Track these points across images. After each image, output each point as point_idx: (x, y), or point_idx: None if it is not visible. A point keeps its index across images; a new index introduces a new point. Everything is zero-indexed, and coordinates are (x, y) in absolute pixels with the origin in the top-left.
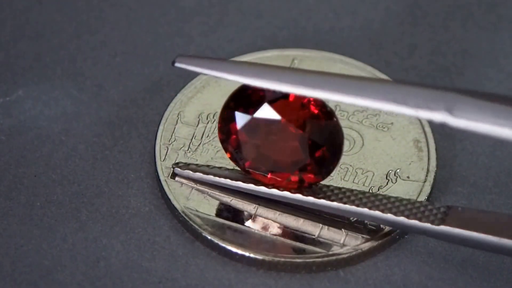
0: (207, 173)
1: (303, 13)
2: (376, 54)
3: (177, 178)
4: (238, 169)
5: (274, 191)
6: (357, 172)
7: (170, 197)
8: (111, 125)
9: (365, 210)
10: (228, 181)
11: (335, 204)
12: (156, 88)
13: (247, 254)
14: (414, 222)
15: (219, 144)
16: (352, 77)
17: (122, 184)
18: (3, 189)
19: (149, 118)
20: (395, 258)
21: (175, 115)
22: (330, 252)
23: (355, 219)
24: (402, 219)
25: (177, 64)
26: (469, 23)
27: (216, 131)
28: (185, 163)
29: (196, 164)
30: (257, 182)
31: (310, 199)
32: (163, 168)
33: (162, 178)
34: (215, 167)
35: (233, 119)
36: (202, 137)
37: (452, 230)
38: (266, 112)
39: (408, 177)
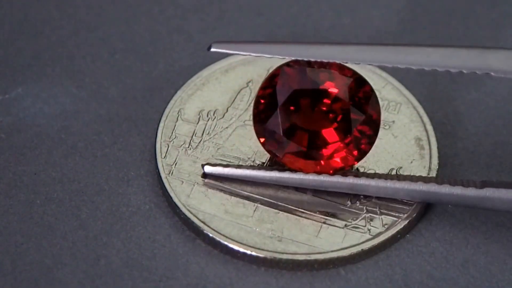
0: (237, 166)
1: (303, 11)
2: None
3: (206, 179)
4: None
5: (311, 176)
6: (359, 170)
7: (171, 194)
8: (111, 123)
9: (405, 185)
10: (263, 172)
11: (381, 181)
12: (155, 85)
13: (248, 252)
14: (458, 188)
15: (220, 142)
16: (387, 44)
17: (122, 182)
18: (3, 187)
19: (149, 115)
20: (396, 258)
21: (176, 112)
22: (331, 251)
23: (357, 217)
24: (444, 187)
25: (214, 49)
26: (471, 20)
27: (216, 128)
28: (212, 163)
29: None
30: (292, 170)
31: (350, 179)
32: (164, 166)
33: (163, 175)
34: (242, 165)
35: (275, 97)
36: (202, 134)
37: (493, 193)
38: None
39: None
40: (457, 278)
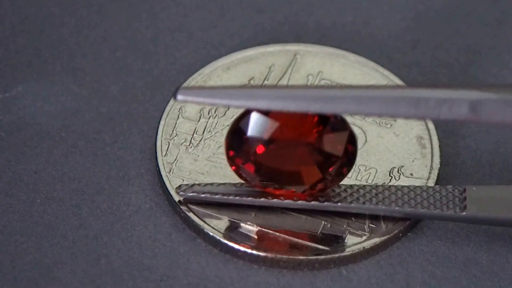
0: (215, 193)
1: (305, 8)
2: (378, 49)
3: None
4: (242, 182)
5: (289, 202)
6: (360, 169)
7: (172, 192)
8: (112, 121)
9: (384, 207)
10: (238, 199)
11: (353, 205)
12: (156, 83)
13: (249, 251)
14: (437, 212)
15: (221, 140)
16: (359, 87)
17: (122, 181)
18: (3, 185)
19: (150, 114)
20: (398, 257)
21: (177, 110)
22: (332, 250)
23: (357, 218)
24: (424, 211)
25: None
26: (473, 19)
27: (218, 126)
28: (187, 184)
29: (199, 184)
30: (268, 195)
31: (328, 204)
32: (164, 164)
33: (163, 173)
34: (220, 184)
35: (244, 140)
36: (203, 132)
37: (476, 214)
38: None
39: (411, 174)
40: (459, 277)
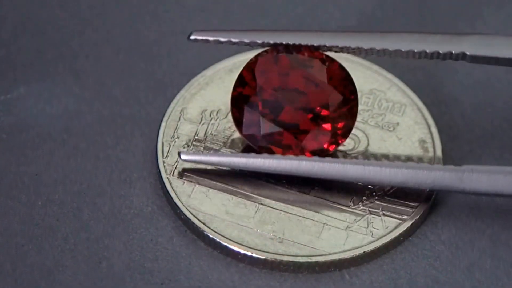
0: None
1: (309, 12)
2: None
3: (184, 171)
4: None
5: (291, 159)
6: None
7: (172, 195)
8: (113, 124)
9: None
10: (240, 158)
11: (370, 167)
12: (159, 86)
13: (249, 253)
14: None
15: (223, 142)
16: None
17: (124, 184)
18: (4, 188)
19: (152, 116)
20: (401, 261)
21: (178, 112)
22: (333, 253)
23: (359, 219)
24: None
25: (193, 37)
26: (478, 23)
27: (219, 128)
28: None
29: (201, 151)
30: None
31: (340, 162)
32: (165, 166)
33: (164, 175)
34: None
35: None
36: (205, 134)
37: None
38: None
39: None
40: (463, 282)
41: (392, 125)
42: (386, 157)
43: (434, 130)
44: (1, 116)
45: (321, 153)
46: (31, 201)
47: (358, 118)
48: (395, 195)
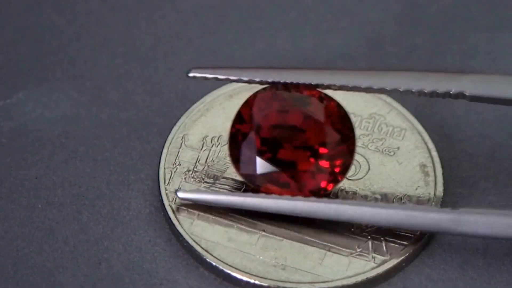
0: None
1: (302, 14)
2: (375, 55)
3: (181, 207)
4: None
5: (287, 199)
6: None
7: (174, 222)
8: (111, 127)
9: (392, 210)
10: (237, 197)
11: (366, 208)
12: (155, 89)
13: (251, 281)
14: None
15: (224, 168)
16: (362, 70)
17: (122, 186)
18: (4, 191)
19: (149, 119)
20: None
21: (179, 139)
22: (335, 279)
23: (361, 245)
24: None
25: (192, 74)
26: (469, 24)
27: (220, 155)
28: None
29: (198, 188)
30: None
31: (336, 202)
32: (167, 193)
33: (166, 203)
34: (218, 190)
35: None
36: (206, 161)
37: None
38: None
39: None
40: (456, 280)
41: (393, 149)
42: (384, 196)
43: (434, 153)
44: (1, 121)
45: (320, 192)
46: (31, 204)
47: (359, 143)
48: None
